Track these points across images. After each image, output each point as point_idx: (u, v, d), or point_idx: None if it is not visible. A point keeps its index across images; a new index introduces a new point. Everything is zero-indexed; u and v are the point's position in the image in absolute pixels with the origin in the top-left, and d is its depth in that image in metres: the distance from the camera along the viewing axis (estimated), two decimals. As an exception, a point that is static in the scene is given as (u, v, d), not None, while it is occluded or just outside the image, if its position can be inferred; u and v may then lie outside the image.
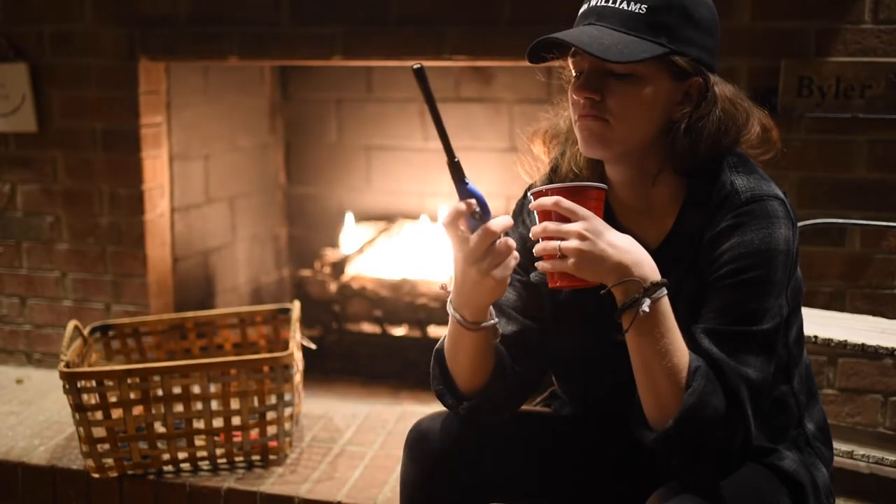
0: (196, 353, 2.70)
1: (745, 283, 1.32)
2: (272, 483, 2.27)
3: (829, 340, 2.09)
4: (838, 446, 2.16)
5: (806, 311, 2.33)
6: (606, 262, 1.28)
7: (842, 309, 2.44)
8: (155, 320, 2.70)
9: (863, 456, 2.16)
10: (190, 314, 2.74)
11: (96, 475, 2.28)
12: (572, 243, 1.28)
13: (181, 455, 2.29)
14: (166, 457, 2.28)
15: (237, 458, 2.34)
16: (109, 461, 2.27)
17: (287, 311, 2.71)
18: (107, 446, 2.24)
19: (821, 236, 2.44)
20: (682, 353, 1.30)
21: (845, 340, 2.08)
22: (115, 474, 2.28)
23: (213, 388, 2.31)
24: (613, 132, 1.36)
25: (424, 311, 3.21)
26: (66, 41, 2.92)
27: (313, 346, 2.68)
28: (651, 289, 1.28)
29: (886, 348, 2.04)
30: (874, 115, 2.35)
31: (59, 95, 2.96)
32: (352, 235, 3.50)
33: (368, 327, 3.32)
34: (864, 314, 2.38)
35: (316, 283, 3.35)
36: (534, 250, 1.33)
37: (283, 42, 2.74)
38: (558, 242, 1.29)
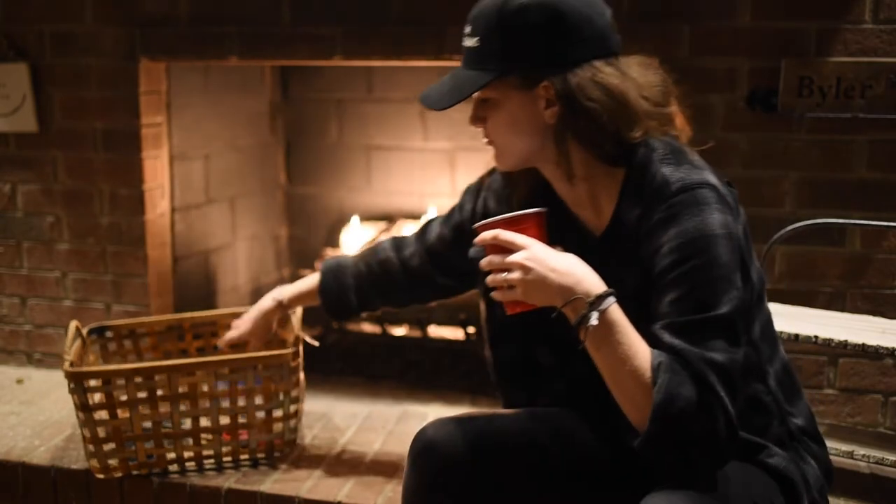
0: (194, 353, 2.69)
1: (689, 272, 1.34)
2: (273, 483, 2.27)
3: (830, 340, 2.09)
4: (838, 446, 2.17)
5: (806, 311, 2.34)
6: (550, 286, 1.34)
7: (842, 309, 2.44)
8: (153, 321, 2.69)
9: (863, 456, 2.17)
10: (189, 314, 2.73)
11: (101, 475, 2.26)
12: (516, 275, 1.36)
13: (186, 454, 2.29)
14: (171, 456, 2.27)
15: (241, 457, 2.34)
16: (114, 461, 2.26)
17: (287, 310, 2.70)
18: (112, 446, 2.23)
19: (821, 236, 2.44)
20: (643, 355, 1.32)
21: (845, 340, 2.07)
22: (119, 474, 2.27)
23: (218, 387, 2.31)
24: (500, 150, 1.53)
25: (424, 311, 3.21)
26: (67, 41, 2.92)
27: (316, 344, 2.67)
28: (596, 302, 1.32)
29: (887, 348, 2.04)
30: (875, 116, 2.35)
31: (60, 95, 2.96)
32: (352, 235, 3.50)
33: (368, 327, 3.32)
34: (865, 314, 2.38)
35: (316, 283, 3.35)
36: (486, 281, 1.42)
37: (283, 42, 2.74)
38: (504, 274, 1.37)
